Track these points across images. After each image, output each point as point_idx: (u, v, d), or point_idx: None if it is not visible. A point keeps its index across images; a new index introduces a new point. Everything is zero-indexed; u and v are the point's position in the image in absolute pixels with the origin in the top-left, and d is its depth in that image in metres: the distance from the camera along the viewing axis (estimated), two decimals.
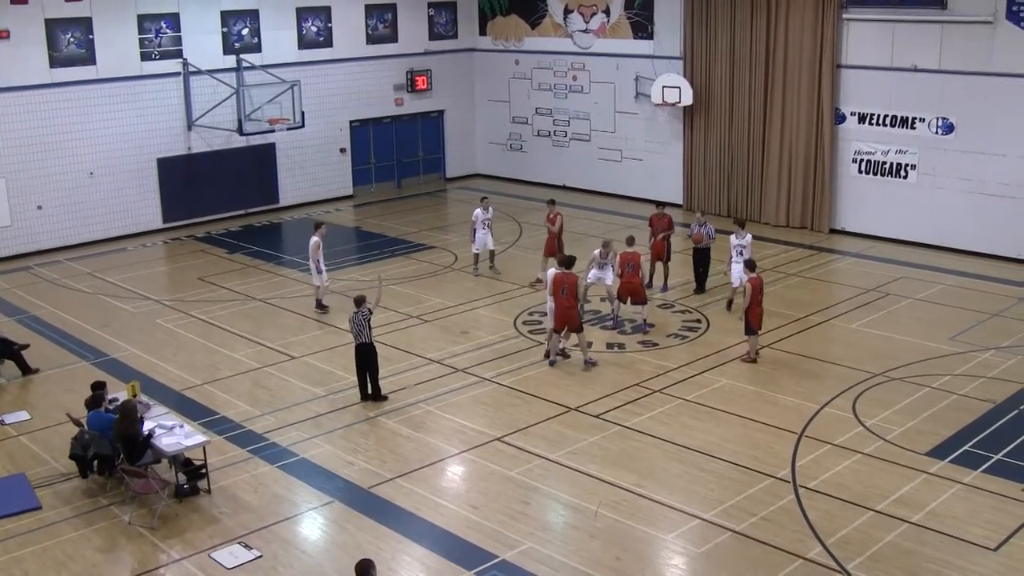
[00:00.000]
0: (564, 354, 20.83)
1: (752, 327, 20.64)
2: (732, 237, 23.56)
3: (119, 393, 17.14)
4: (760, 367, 20.58)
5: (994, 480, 15.77)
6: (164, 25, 31.44)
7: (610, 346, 21.33)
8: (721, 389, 19.46)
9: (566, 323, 20.39)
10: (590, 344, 20.92)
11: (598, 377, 20.17)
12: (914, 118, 28.49)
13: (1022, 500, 15.16)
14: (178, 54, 31.79)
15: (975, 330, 22.34)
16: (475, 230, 26.34)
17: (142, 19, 31.00)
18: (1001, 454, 16.58)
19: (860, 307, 23.96)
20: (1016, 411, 18.23)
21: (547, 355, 20.91)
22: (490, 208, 26.88)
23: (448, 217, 34.82)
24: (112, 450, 15.71)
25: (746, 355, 20.82)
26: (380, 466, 16.72)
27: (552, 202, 26.63)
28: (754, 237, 24.14)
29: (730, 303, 23.29)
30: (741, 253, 22.97)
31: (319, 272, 23.84)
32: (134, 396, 16.78)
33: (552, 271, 20.65)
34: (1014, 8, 26.18)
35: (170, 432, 15.91)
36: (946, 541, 14.16)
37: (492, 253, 26.99)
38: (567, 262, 20.70)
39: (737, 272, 22.90)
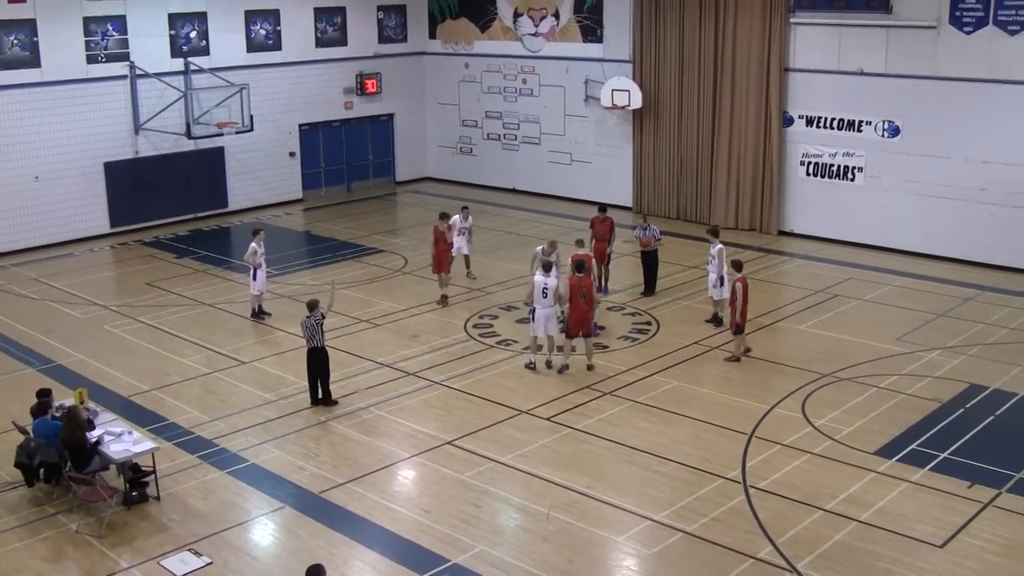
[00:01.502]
0: (564, 368, 20.62)
1: (740, 326, 20.80)
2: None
3: (66, 400, 16.94)
4: (710, 368, 20.72)
5: (941, 478, 15.96)
6: (110, 27, 31.13)
7: (560, 348, 21.29)
8: (671, 391, 19.55)
9: (581, 328, 20.39)
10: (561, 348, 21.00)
11: (548, 380, 20.21)
12: (861, 121, 28.80)
13: (968, 498, 15.35)
14: (125, 57, 31.49)
15: (922, 330, 22.60)
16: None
17: (88, 21, 30.67)
18: (947, 452, 16.79)
19: (809, 308, 24.16)
20: (962, 410, 18.47)
21: (531, 365, 20.79)
22: (469, 217, 26.78)
23: (398, 221, 34.75)
24: (59, 458, 15.54)
25: (731, 355, 21.02)
26: (331, 471, 16.64)
27: (444, 215, 25.56)
28: (704, 239, 24.25)
29: (715, 316, 23.07)
30: (710, 263, 22.87)
31: (255, 279, 23.67)
32: (81, 403, 16.59)
33: (538, 278, 20.50)
34: (956, 13, 26.54)
35: (118, 439, 15.76)
36: (894, 539, 14.31)
37: (467, 259, 26.69)
38: (579, 266, 20.73)
39: (711, 282, 22.92)
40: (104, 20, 30.99)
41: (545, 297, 20.38)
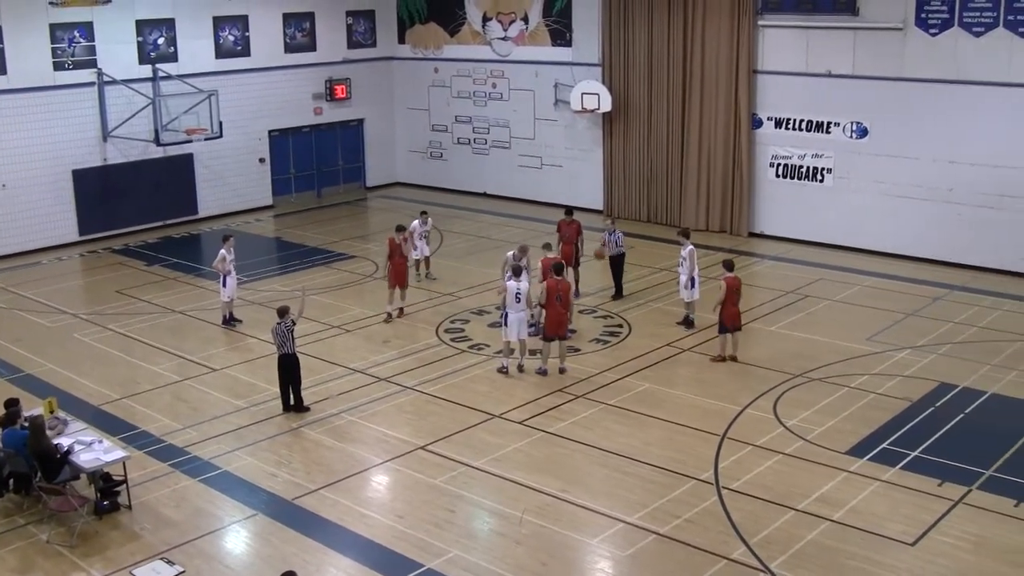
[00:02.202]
0: (543, 371, 20.66)
1: (725, 326, 20.85)
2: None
3: (36, 409, 16.81)
4: (682, 370, 20.78)
5: (912, 476, 16.06)
6: (77, 34, 30.94)
7: (532, 352, 21.29)
8: (643, 393, 19.59)
9: (557, 331, 20.41)
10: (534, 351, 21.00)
11: (521, 384, 20.21)
12: (829, 122, 28.97)
13: (939, 496, 15.45)
14: (92, 64, 31.30)
15: (891, 330, 22.74)
16: (412, 240, 26.17)
17: (54, 28, 30.46)
18: (918, 451, 16.89)
19: (779, 309, 24.26)
20: (932, 408, 18.59)
21: (503, 369, 20.72)
22: (429, 220, 27.08)
23: (369, 226, 34.66)
24: (28, 468, 15.41)
25: (716, 355, 21.07)
26: (304, 477, 16.59)
27: (401, 228, 24.76)
28: (674, 242, 24.31)
29: (686, 319, 23.14)
30: (681, 265, 22.92)
31: (225, 286, 23.57)
32: (51, 412, 16.49)
33: (511, 283, 20.44)
34: (922, 15, 26.74)
35: (89, 448, 15.65)
36: (866, 537, 14.38)
37: (427, 260, 27.02)
38: (558, 269, 20.72)
39: (682, 284, 22.97)
40: (71, 27, 30.78)
41: (518, 301, 20.39)
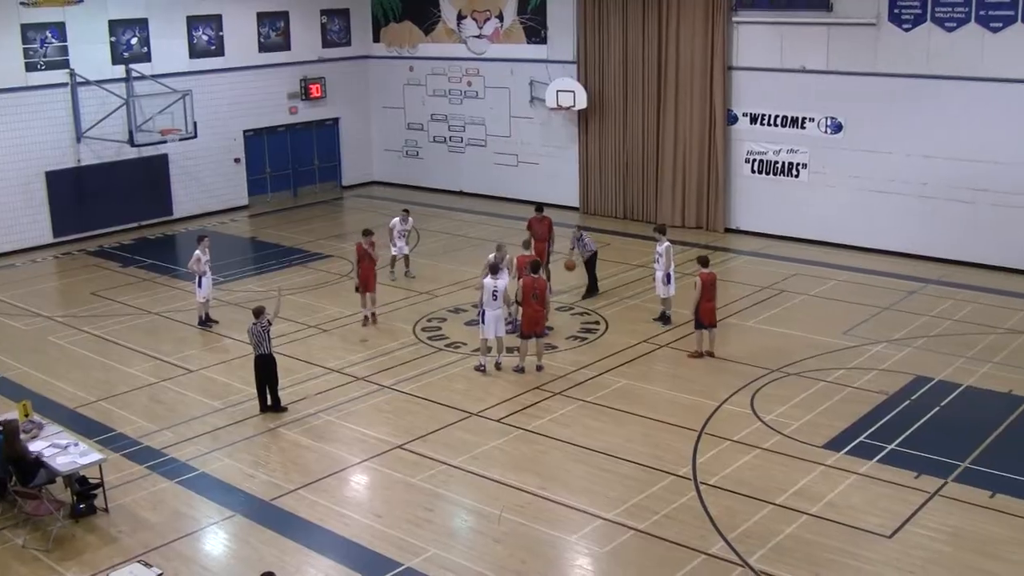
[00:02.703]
0: (520, 369, 20.64)
1: (701, 322, 20.89)
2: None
3: (10, 413, 16.70)
4: (659, 366, 20.81)
5: (888, 469, 16.14)
6: (50, 35, 30.73)
7: (509, 350, 21.28)
8: (621, 390, 19.61)
9: (534, 329, 20.43)
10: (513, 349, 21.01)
11: (498, 382, 20.20)
12: (804, 118, 29.06)
13: (915, 488, 15.53)
14: (65, 64, 31.09)
15: (867, 324, 22.83)
16: (392, 237, 26.39)
17: (26, 28, 30.24)
18: (894, 444, 16.98)
19: (756, 304, 24.33)
20: (908, 401, 18.69)
21: (481, 367, 20.70)
22: (410, 219, 27.01)
23: (345, 225, 34.53)
24: (3, 472, 15.32)
25: (693, 351, 21.11)
26: (282, 478, 16.54)
27: (368, 232, 24.14)
28: (650, 238, 24.34)
29: (663, 315, 23.16)
30: (657, 261, 22.99)
31: (200, 287, 23.48)
32: (26, 416, 16.38)
33: (487, 280, 20.40)
34: (895, 10, 26.86)
35: (64, 451, 15.56)
36: (844, 531, 14.44)
37: (407, 258, 27.00)
38: (534, 267, 20.73)
39: (658, 280, 23.00)
40: (43, 27, 30.56)
41: (495, 299, 20.38)
